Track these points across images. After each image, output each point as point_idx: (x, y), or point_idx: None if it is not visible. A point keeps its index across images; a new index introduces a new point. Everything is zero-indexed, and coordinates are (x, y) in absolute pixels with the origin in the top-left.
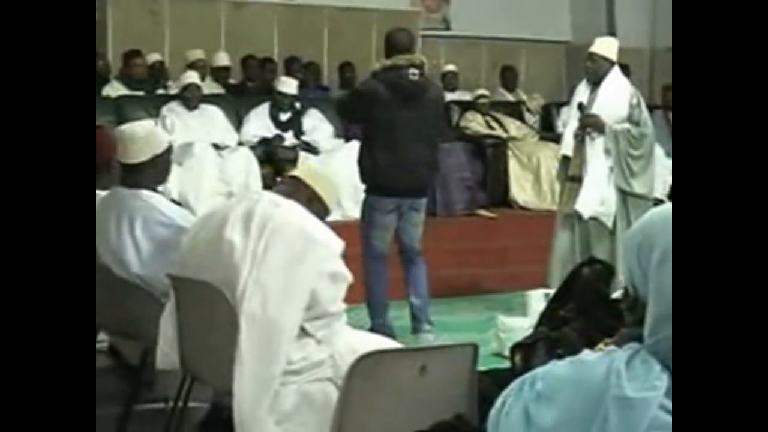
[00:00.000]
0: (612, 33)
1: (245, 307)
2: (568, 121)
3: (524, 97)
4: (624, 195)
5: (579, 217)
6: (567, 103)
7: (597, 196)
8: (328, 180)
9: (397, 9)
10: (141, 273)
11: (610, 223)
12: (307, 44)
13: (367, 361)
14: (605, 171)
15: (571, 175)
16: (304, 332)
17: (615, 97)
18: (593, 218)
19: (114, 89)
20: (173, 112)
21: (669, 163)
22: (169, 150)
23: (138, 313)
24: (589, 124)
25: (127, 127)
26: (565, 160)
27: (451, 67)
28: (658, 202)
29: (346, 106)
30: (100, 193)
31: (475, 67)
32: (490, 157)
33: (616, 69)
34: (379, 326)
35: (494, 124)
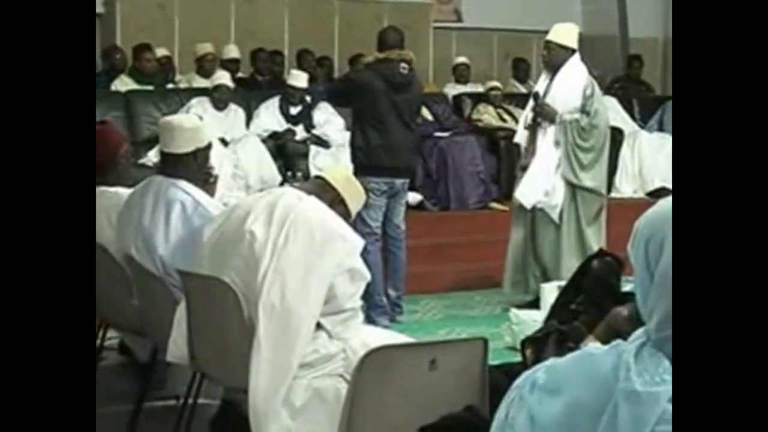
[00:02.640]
0: (624, 23)
1: (264, 297)
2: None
3: None
4: (573, 188)
5: (532, 208)
6: None
7: (540, 187)
8: (354, 183)
9: (408, 1)
10: (165, 256)
11: (555, 216)
12: (318, 37)
13: (377, 355)
14: (553, 162)
15: (523, 165)
16: (318, 326)
17: (569, 87)
18: (539, 209)
19: (123, 84)
20: (202, 107)
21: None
22: (209, 147)
23: (149, 311)
24: (541, 114)
25: (174, 118)
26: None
27: (462, 59)
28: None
29: (340, 93)
30: (108, 189)
31: (487, 58)
32: (503, 150)
33: (576, 57)
34: (378, 302)
35: (506, 117)
